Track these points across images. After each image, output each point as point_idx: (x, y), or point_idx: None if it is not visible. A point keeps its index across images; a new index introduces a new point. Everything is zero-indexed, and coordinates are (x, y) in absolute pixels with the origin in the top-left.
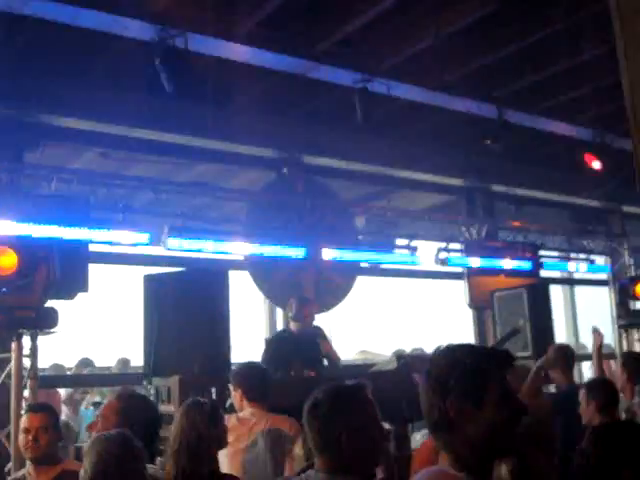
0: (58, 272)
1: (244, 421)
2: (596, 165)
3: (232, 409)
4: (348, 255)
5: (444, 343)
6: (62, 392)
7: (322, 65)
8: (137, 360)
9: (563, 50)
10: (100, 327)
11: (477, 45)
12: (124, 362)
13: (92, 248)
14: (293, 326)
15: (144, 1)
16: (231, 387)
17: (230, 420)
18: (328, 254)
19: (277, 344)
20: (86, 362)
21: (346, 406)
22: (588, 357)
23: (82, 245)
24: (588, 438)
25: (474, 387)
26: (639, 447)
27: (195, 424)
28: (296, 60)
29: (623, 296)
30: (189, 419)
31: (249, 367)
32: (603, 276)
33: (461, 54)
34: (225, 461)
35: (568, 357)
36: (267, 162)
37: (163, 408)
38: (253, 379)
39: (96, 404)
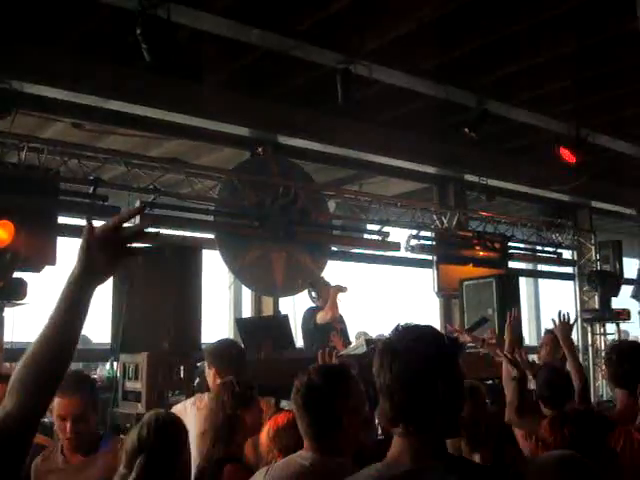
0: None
1: None
2: (570, 159)
3: (200, 388)
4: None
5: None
6: None
7: (304, 44)
8: (102, 337)
9: (544, 42)
10: None
11: (458, 33)
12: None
13: (61, 221)
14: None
15: None
16: (205, 364)
17: (202, 399)
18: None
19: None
20: None
21: (345, 387)
22: None
23: (51, 217)
24: (548, 426)
25: None
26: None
27: (224, 406)
28: (277, 37)
29: (605, 292)
30: (219, 400)
31: (225, 344)
32: (569, 270)
33: (442, 41)
34: (195, 440)
35: None
36: (241, 141)
37: (130, 385)
38: (228, 357)
39: None
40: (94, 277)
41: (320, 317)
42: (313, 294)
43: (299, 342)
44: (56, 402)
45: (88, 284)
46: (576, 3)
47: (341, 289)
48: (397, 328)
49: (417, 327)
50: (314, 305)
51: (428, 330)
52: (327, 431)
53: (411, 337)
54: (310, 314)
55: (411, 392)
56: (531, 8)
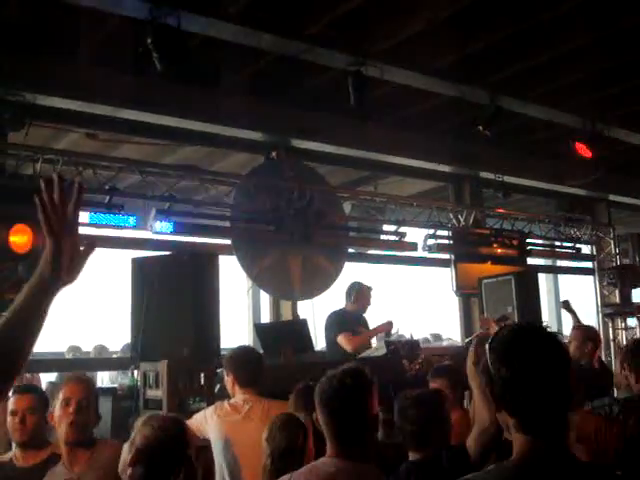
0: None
1: (237, 407)
2: (586, 153)
3: (220, 395)
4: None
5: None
6: None
7: (314, 47)
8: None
9: (556, 37)
10: (85, 311)
11: (470, 30)
12: (101, 348)
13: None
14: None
15: None
16: (223, 372)
17: (222, 406)
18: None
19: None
20: (74, 349)
21: (371, 390)
22: None
23: None
24: None
25: None
26: None
27: (307, 408)
28: (288, 41)
29: (625, 286)
30: (300, 404)
31: (242, 352)
32: (588, 264)
33: (454, 39)
34: (218, 446)
35: None
36: (255, 145)
37: (151, 393)
38: (246, 364)
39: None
40: (60, 283)
41: (342, 341)
42: (352, 296)
43: (318, 346)
44: (63, 390)
45: (55, 290)
46: None
47: (389, 330)
48: (515, 329)
49: (536, 328)
50: (340, 308)
51: (546, 332)
52: (354, 435)
53: (542, 343)
54: (333, 330)
55: (550, 398)
56: (543, 2)
